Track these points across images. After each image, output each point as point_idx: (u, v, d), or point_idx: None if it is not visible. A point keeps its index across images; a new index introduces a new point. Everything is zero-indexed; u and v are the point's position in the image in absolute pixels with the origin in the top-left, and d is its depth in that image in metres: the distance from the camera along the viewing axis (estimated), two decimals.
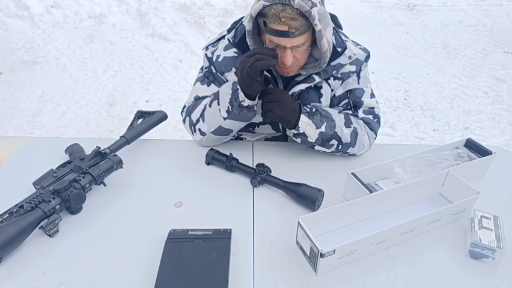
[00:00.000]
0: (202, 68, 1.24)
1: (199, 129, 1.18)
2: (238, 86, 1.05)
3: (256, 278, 0.82)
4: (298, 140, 1.13)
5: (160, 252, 0.84)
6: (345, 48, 1.12)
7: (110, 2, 4.97)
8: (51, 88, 3.32)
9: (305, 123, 1.08)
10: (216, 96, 1.12)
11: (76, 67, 3.70)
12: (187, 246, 0.85)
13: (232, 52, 1.15)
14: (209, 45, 1.21)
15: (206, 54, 1.20)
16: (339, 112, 1.17)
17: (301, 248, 0.88)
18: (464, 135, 2.73)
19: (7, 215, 0.86)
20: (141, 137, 1.21)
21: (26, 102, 3.09)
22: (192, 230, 0.89)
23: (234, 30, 1.14)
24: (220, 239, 0.88)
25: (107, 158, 1.04)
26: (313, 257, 0.82)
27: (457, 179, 1.01)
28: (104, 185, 1.03)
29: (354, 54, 1.14)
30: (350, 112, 1.21)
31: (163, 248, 0.85)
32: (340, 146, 1.15)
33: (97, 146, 1.07)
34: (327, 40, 1.00)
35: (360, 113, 1.20)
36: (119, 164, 1.05)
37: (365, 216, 0.97)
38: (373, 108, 1.22)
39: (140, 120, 1.25)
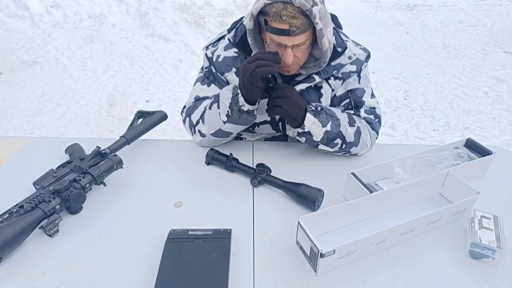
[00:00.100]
0: (202, 68, 1.24)
1: (199, 131, 1.18)
2: (239, 91, 1.05)
3: (256, 278, 0.82)
4: (303, 139, 1.12)
5: (160, 252, 0.84)
6: (345, 48, 1.12)
7: (110, 2, 4.97)
8: (51, 88, 3.32)
9: (311, 122, 1.08)
10: (216, 99, 1.12)
11: (76, 67, 3.70)
12: (187, 246, 0.85)
13: (232, 52, 1.15)
14: (209, 45, 1.21)
15: (206, 54, 1.20)
16: (342, 111, 1.17)
17: (301, 248, 0.88)
18: (464, 135, 2.73)
19: (7, 215, 0.86)
20: (141, 137, 1.21)
21: (26, 102, 3.09)
22: (192, 230, 0.89)
23: (234, 30, 1.14)
24: (220, 239, 0.87)
25: (107, 158, 1.04)
26: (314, 257, 0.82)
27: (457, 179, 1.01)
28: (104, 185, 1.03)
29: (355, 54, 1.14)
30: (352, 112, 1.21)
31: (163, 248, 0.85)
32: (344, 145, 1.14)
33: (97, 146, 1.07)
34: (327, 39, 1.00)
35: (362, 113, 1.20)
36: (119, 164, 1.05)
37: (365, 216, 0.97)
38: (374, 108, 1.22)
39: (140, 120, 1.25)
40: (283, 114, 1.08)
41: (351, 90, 1.19)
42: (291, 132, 1.16)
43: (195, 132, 1.19)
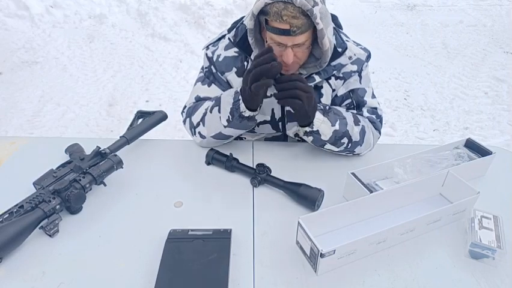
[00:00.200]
0: (202, 68, 1.24)
1: (199, 133, 1.18)
2: (240, 97, 1.05)
3: (256, 278, 0.82)
4: (310, 138, 1.10)
5: (160, 252, 0.84)
6: (346, 48, 1.12)
7: (110, 2, 4.97)
8: (51, 88, 3.32)
9: (320, 121, 1.07)
10: (217, 102, 1.11)
11: (76, 67, 3.70)
12: (187, 246, 0.85)
13: (232, 52, 1.15)
14: (209, 44, 1.21)
15: (206, 54, 1.20)
16: (345, 111, 1.17)
17: (301, 248, 0.88)
18: (464, 135, 2.73)
19: (7, 215, 0.86)
20: (141, 137, 1.21)
21: (26, 102, 3.09)
22: (192, 230, 0.89)
23: (234, 29, 1.14)
24: (220, 239, 0.87)
25: (107, 158, 1.04)
26: (314, 257, 0.82)
27: (457, 179, 1.01)
28: (104, 185, 1.03)
29: (355, 55, 1.14)
30: (355, 112, 1.20)
31: (163, 248, 0.85)
32: (350, 145, 1.14)
33: (97, 146, 1.07)
34: (328, 39, 1.00)
35: (365, 112, 1.20)
36: (119, 164, 1.05)
37: (365, 216, 0.97)
38: (375, 108, 1.22)
39: (140, 120, 1.25)
40: (299, 108, 1.01)
41: (352, 90, 1.19)
42: (291, 132, 1.16)
43: (195, 134, 1.19)
